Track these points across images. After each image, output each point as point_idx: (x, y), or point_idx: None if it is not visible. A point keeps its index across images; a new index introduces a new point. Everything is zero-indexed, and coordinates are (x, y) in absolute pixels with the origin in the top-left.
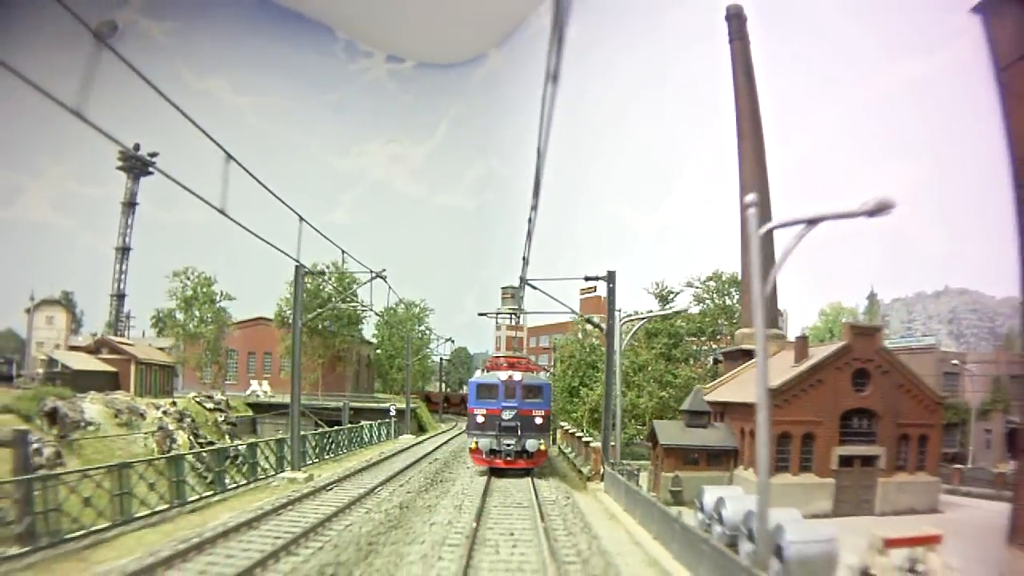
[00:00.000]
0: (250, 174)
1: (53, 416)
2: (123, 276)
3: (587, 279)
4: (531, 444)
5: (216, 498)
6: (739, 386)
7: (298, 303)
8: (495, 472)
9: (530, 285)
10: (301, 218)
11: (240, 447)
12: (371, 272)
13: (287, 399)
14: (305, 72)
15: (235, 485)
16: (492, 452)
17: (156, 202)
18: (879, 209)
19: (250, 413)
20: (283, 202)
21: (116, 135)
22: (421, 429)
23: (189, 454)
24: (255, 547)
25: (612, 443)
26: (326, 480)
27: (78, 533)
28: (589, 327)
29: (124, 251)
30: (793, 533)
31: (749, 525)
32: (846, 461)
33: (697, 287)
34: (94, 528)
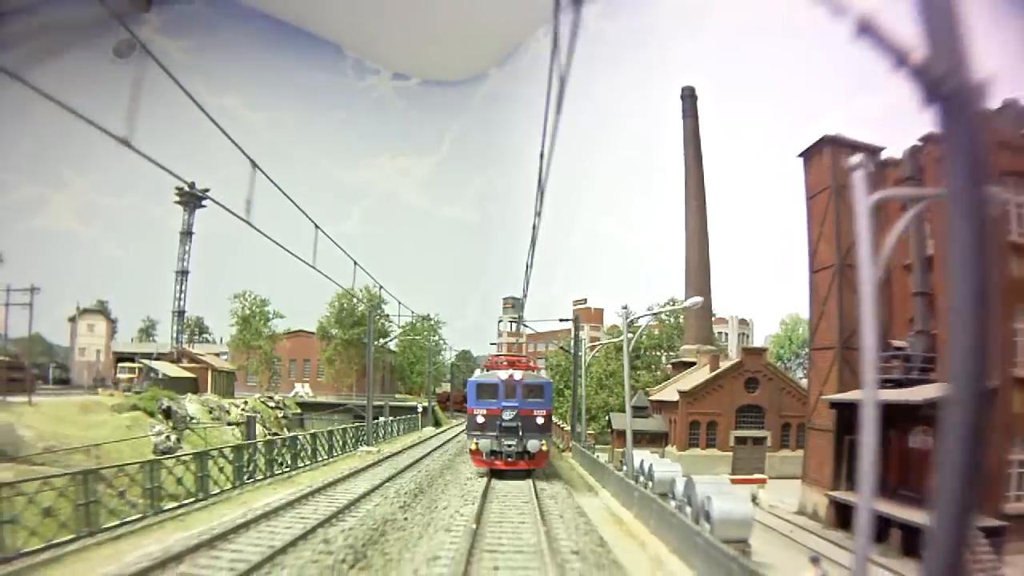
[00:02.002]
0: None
1: (168, 412)
2: (183, 295)
3: (561, 320)
4: (533, 445)
5: (331, 460)
6: (672, 389)
7: (370, 337)
8: (496, 474)
9: (526, 325)
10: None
11: (336, 431)
12: (422, 316)
13: (327, 399)
14: (316, 89)
15: (338, 453)
16: (493, 453)
17: (176, 212)
18: (694, 305)
19: (299, 411)
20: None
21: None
22: (436, 424)
23: (314, 434)
24: (385, 472)
25: (579, 429)
26: (392, 451)
27: (281, 472)
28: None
29: (183, 274)
30: (658, 468)
31: (643, 468)
32: (741, 440)
33: (657, 310)
34: (284, 471)
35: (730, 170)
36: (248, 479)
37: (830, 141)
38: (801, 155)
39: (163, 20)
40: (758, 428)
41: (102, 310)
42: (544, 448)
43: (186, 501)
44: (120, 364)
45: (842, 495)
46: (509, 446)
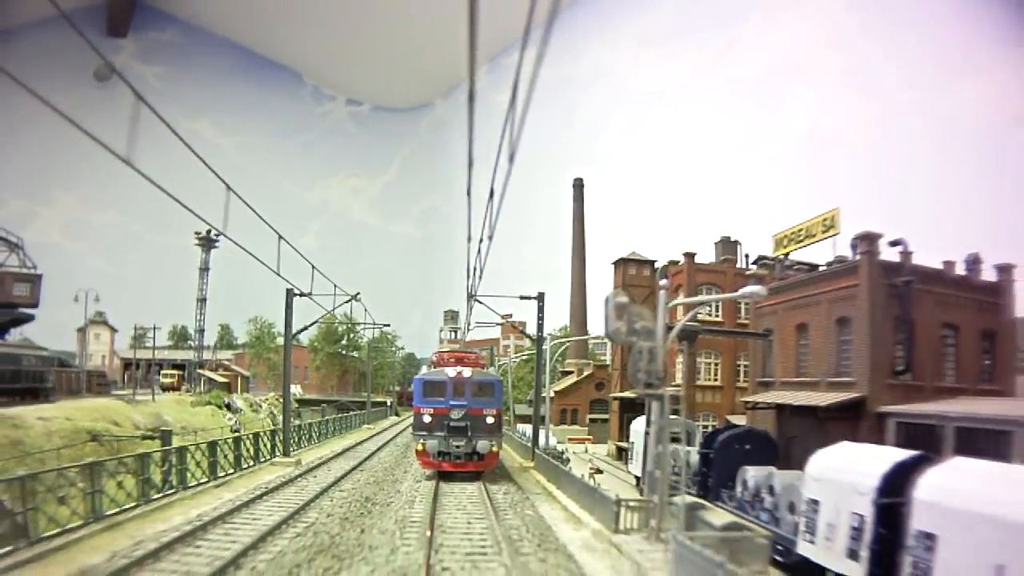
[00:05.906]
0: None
1: (228, 406)
2: (203, 317)
3: (487, 342)
4: (482, 446)
5: (351, 431)
6: (552, 389)
7: (369, 358)
8: (443, 476)
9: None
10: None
11: (351, 416)
12: (349, 295)
13: (316, 397)
14: (278, 115)
15: (349, 431)
16: (440, 455)
17: (154, 227)
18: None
19: (298, 406)
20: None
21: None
22: (396, 414)
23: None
24: (395, 431)
25: None
26: (383, 428)
27: (337, 434)
28: (506, 344)
29: (202, 301)
30: (528, 431)
31: (523, 432)
32: (594, 420)
33: (556, 333)
34: (338, 434)
35: (616, 221)
36: (329, 434)
37: (623, 260)
38: (612, 264)
39: (139, 47)
40: (604, 413)
41: (105, 321)
42: (494, 449)
43: (313, 443)
44: (163, 371)
45: (620, 443)
46: (457, 447)
